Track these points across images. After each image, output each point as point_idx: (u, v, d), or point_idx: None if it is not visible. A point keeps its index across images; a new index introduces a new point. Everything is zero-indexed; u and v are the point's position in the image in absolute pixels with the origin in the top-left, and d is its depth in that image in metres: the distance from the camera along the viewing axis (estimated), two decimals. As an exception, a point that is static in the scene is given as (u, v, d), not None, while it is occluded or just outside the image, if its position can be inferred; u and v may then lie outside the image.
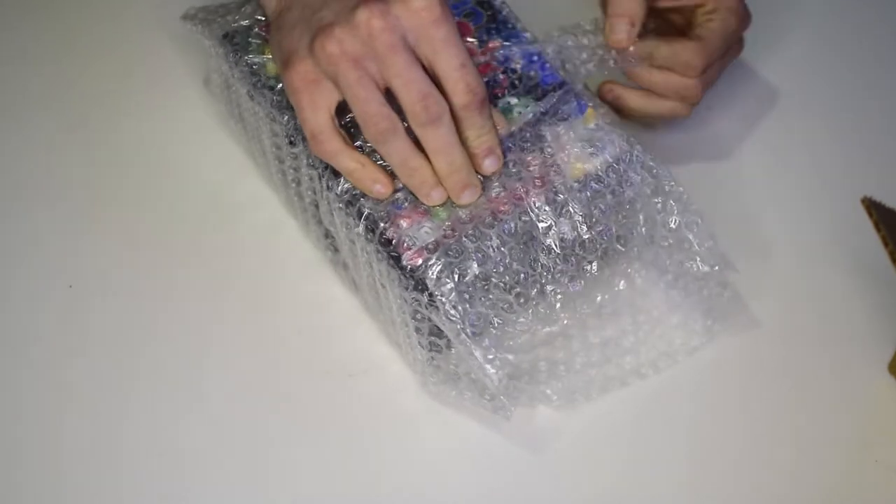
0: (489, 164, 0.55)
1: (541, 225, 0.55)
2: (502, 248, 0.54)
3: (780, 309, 0.61)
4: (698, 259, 0.57)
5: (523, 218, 0.54)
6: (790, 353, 0.59)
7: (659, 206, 0.57)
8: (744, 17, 0.65)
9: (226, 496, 0.54)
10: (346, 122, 0.55)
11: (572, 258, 0.56)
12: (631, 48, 0.62)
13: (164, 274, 0.61)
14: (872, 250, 0.53)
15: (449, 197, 0.55)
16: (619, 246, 0.57)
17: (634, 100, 0.64)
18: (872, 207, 0.51)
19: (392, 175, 0.55)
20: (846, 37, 0.69)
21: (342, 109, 0.54)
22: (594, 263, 0.56)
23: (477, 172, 0.55)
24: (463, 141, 0.54)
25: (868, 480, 0.55)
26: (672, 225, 0.57)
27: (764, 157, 0.68)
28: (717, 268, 0.57)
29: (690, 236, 0.57)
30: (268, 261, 0.62)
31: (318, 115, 0.54)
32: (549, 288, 0.56)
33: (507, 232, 0.54)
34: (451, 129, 0.54)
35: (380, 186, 0.55)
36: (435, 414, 0.57)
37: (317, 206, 0.59)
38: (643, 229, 0.58)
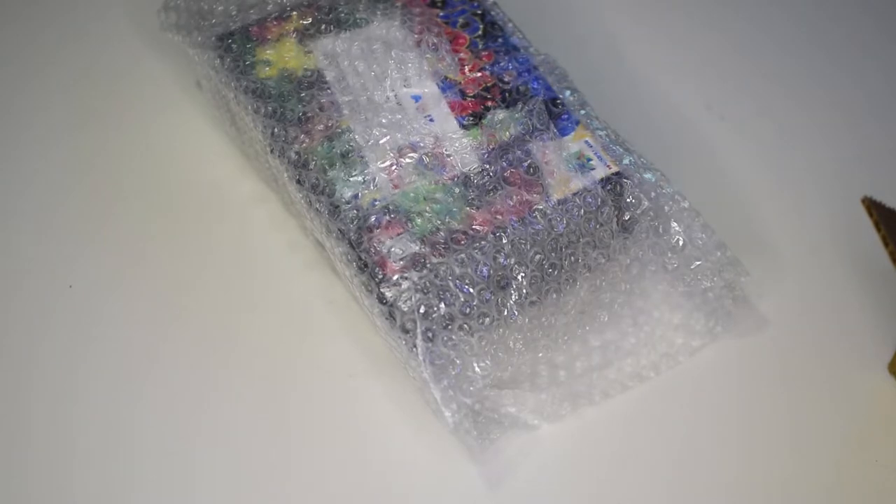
0: None
1: (514, 263, 0.53)
2: (471, 290, 0.53)
3: (780, 309, 0.61)
4: (708, 273, 0.57)
5: (497, 258, 0.53)
6: (790, 353, 0.59)
7: (659, 228, 0.56)
8: None
9: (225, 495, 0.54)
10: None
11: (539, 304, 0.54)
12: None
13: (163, 274, 0.61)
14: (872, 250, 0.53)
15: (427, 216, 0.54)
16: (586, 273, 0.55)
17: None
18: (872, 207, 0.51)
19: None
20: (846, 36, 0.69)
21: None
22: (556, 317, 0.55)
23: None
24: None
25: (868, 480, 0.55)
26: (678, 244, 0.56)
27: (761, 158, 0.68)
28: (727, 274, 0.57)
29: (697, 252, 0.57)
30: (268, 260, 0.62)
31: None
32: (510, 334, 0.54)
33: (479, 275, 0.53)
34: None
35: None
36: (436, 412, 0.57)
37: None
38: (650, 251, 0.57)
